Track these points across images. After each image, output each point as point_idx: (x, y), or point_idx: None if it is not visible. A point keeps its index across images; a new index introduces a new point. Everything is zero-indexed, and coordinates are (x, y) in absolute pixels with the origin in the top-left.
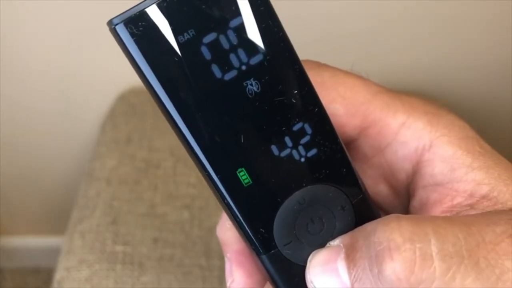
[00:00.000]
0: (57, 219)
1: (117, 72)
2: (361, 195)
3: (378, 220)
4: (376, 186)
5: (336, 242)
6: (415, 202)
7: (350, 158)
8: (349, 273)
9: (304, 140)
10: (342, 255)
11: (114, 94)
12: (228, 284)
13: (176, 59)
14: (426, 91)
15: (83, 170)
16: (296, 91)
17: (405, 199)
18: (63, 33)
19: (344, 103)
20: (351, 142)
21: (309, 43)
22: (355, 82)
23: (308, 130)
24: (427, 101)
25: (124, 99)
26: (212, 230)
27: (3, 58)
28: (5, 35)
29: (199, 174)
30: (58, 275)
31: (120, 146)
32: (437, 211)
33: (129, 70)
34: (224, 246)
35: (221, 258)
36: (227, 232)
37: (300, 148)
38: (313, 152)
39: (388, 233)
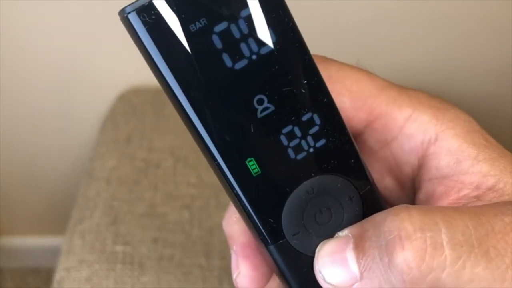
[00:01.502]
0: (57, 219)
1: (117, 72)
2: (369, 186)
3: (388, 210)
4: (381, 180)
5: (344, 232)
6: (421, 195)
7: (358, 149)
8: (358, 263)
9: (313, 130)
10: (351, 245)
11: (114, 94)
12: (234, 277)
13: (188, 48)
14: (426, 89)
15: (83, 170)
16: (305, 81)
17: (410, 192)
18: (63, 33)
19: (350, 97)
20: (357, 136)
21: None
22: (361, 76)
23: (317, 120)
24: (433, 96)
25: (124, 99)
26: (212, 230)
27: (3, 58)
28: (5, 36)
29: (199, 174)
30: (58, 275)
31: (120, 146)
32: (443, 203)
33: (129, 70)
34: (230, 239)
35: (221, 258)
36: (234, 226)
37: (309, 138)
38: (321, 142)
39: (398, 222)
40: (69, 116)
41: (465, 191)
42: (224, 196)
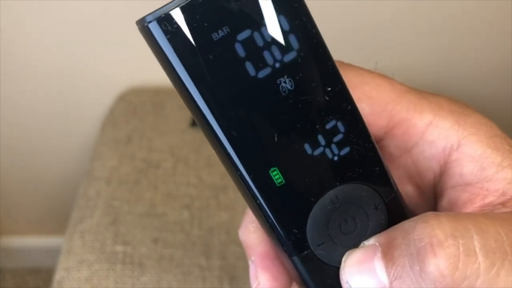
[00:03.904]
0: (57, 219)
1: (117, 72)
2: (394, 194)
3: (416, 217)
4: (402, 187)
5: (371, 241)
6: (443, 203)
7: (382, 156)
8: (387, 272)
9: (337, 138)
10: (379, 254)
11: (114, 94)
12: (253, 287)
13: (210, 57)
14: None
15: (83, 170)
16: (329, 89)
17: (431, 199)
18: (63, 33)
19: (370, 103)
20: (377, 142)
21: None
22: (380, 81)
23: (341, 128)
24: (453, 100)
25: (124, 99)
26: (212, 230)
27: (4, 58)
28: (5, 36)
29: (199, 174)
30: (58, 275)
31: (120, 146)
32: (468, 211)
33: (129, 70)
34: (248, 249)
35: (221, 258)
36: (251, 235)
37: (333, 146)
38: (346, 150)
39: (429, 229)
40: (69, 116)
41: (490, 198)
42: (224, 196)
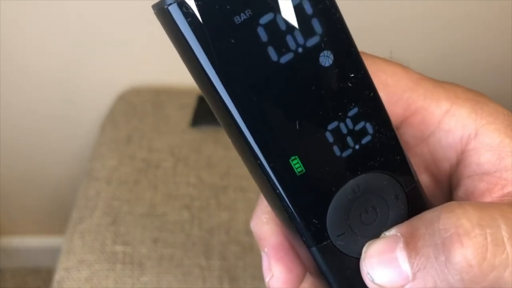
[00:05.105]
0: (57, 219)
1: (117, 72)
2: (414, 184)
3: (439, 207)
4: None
5: (392, 231)
6: (460, 192)
7: (402, 146)
8: (411, 262)
9: (359, 126)
10: (401, 245)
11: (114, 94)
12: (266, 280)
13: (232, 41)
14: None
15: (83, 170)
16: (352, 75)
17: (447, 189)
18: (63, 33)
19: (386, 91)
20: None
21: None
22: (396, 69)
23: (363, 116)
24: (469, 89)
25: (124, 99)
26: (212, 230)
27: (4, 59)
28: (5, 36)
29: (199, 174)
30: (58, 275)
31: (120, 146)
32: (486, 200)
33: (129, 70)
34: (261, 241)
35: (221, 258)
36: (264, 226)
37: (355, 134)
38: (367, 139)
39: (454, 219)
40: (69, 117)
41: (509, 188)
42: (224, 196)
